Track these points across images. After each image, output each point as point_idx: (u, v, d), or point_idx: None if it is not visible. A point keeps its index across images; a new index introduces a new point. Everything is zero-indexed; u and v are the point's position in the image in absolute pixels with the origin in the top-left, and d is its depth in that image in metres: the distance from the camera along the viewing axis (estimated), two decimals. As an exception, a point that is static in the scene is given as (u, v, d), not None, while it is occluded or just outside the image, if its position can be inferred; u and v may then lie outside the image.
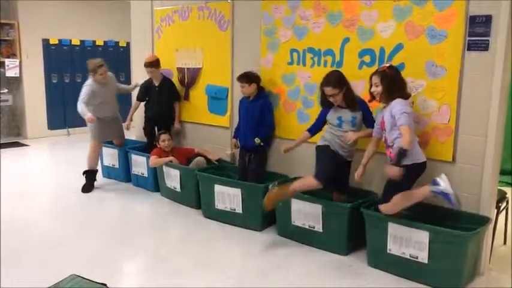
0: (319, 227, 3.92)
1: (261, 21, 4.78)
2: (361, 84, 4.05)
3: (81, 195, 5.50)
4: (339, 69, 4.12)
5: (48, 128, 9.32)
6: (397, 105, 3.38)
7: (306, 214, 3.98)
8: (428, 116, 3.72)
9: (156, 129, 5.72)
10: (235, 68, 5.10)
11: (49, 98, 9.28)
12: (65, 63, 9.42)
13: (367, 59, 4.03)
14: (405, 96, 3.49)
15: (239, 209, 4.44)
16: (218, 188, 4.54)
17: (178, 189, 5.05)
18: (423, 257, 3.30)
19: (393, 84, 3.43)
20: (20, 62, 8.79)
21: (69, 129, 9.47)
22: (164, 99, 5.66)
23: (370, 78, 3.56)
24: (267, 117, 4.68)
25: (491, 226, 3.59)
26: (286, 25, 4.56)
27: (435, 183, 3.31)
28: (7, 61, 8.65)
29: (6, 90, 8.78)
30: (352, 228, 3.79)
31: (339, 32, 4.17)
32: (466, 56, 3.50)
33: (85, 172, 5.69)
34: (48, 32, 9.12)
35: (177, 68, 5.74)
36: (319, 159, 3.93)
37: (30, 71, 8.97)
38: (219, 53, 5.24)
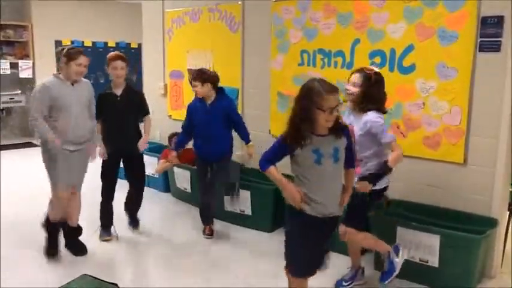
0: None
1: (271, 22, 4.79)
2: (372, 85, 4.04)
3: (90, 198, 5.50)
4: (350, 70, 4.13)
5: (61, 129, 9.39)
6: (377, 118, 3.03)
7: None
8: (439, 118, 3.69)
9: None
10: (246, 69, 5.11)
11: (62, 98, 9.34)
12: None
13: (377, 60, 4.01)
14: (382, 109, 3.13)
15: (248, 211, 4.45)
16: (228, 189, 4.56)
17: (188, 190, 5.08)
18: (433, 261, 3.27)
19: (376, 91, 3.09)
20: (33, 63, 8.88)
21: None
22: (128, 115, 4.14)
23: (351, 75, 3.16)
24: (239, 118, 4.31)
25: (502, 229, 3.55)
26: (296, 26, 4.56)
27: (396, 251, 3.15)
28: (20, 62, 8.74)
29: (19, 91, 8.88)
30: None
31: (349, 33, 4.16)
32: (478, 57, 3.47)
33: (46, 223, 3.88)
34: (61, 34, 9.19)
35: (188, 69, 5.76)
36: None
37: (43, 72, 9.01)
38: (229, 54, 5.26)
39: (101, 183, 4.20)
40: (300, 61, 4.57)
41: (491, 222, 3.40)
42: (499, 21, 3.34)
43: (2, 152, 7.92)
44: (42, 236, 3.89)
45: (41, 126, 3.47)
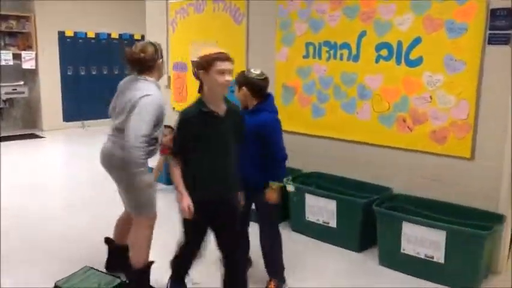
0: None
1: (276, 14, 4.72)
2: (378, 78, 3.99)
3: (95, 189, 5.49)
4: (356, 62, 4.09)
5: (64, 120, 9.38)
6: None
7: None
8: (446, 111, 3.64)
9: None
10: (251, 61, 5.06)
11: (64, 90, 9.33)
12: (80, 56, 9.46)
13: (384, 52, 3.95)
14: None
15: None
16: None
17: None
18: (439, 256, 3.24)
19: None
20: (36, 55, 8.84)
21: (84, 122, 9.52)
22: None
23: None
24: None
25: (509, 224, 3.50)
26: (301, 18, 4.50)
27: None
28: (23, 53, 8.70)
29: (22, 83, 8.85)
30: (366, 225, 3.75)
31: (356, 25, 4.10)
32: (487, 50, 3.41)
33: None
34: (64, 25, 9.15)
35: (192, 61, 5.69)
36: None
37: (46, 63, 9.02)
38: (233, 46, 5.19)
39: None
40: (305, 53, 4.51)
41: (498, 218, 3.35)
42: (508, 13, 3.28)
43: (5, 143, 7.91)
44: (44, 226, 3.86)
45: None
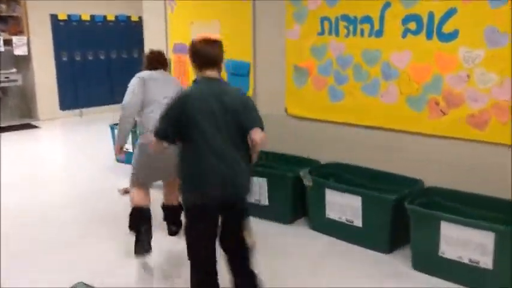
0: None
1: (285, -14, 4.22)
2: (406, 55, 3.51)
3: (94, 183, 5.10)
4: (379, 38, 3.61)
5: (60, 109, 8.92)
6: None
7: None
8: (487, 92, 3.16)
9: None
10: (258, 40, 4.56)
11: (60, 77, 8.85)
12: (75, 40, 8.94)
13: (412, 26, 3.45)
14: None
15: (265, 202, 3.96)
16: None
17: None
18: (486, 261, 2.80)
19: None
20: (28, 40, 8.34)
21: (82, 110, 9.07)
22: None
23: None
24: None
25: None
26: (315, -10, 4.00)
27: None
28: (14, 39, 8.21)
29: (15, 70, 8.37)
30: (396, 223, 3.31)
31: (378, -4, 3.61)
32: (537, 20, 2.92)
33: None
34: (56, 7, 8.62)
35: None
36: None
37: (39, 48, 8.53)
38: (238, 24, 4.70)
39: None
40: (319, 30, 4.01)
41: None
42: None
43: (2, 134, 7.53)
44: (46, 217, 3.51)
45: None
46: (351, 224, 3.47)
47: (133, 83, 3.44)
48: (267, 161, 4.34)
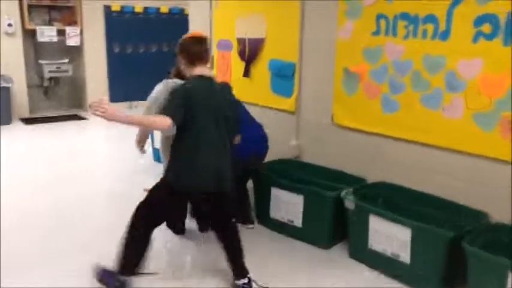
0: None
1: (339, -21, 3.73)
2: (476, 63, 2.94)
3: (137, 177, 4.88)
4: (444, 41, 3.05)
5: (110, 101, 8.82)
6: None
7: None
8: None
9: None
10: (305, 38, 4.10)
11: (110, 69, 8.78)
12: (127, 33, 8.83)
13: (486, 28, 2.88)
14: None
15: (298, 222, 3.53)
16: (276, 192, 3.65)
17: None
18: None
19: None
20: (81, 31, 8.31)
21: (132, 102, 8.96)
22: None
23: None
24: None
25: None
26: (372, -17, 3.49)
27: None
28: (68, 29, 8.19)
29: (66, 60, 8.37)
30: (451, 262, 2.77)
31: (446, -9, 3.05)
32: None
33: None
34: (110, -2, 8.55)
35: (237, 38, 4.83)
36: None
37: (92, 40, 8.49)
38: (285, 21, 4.26)
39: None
40: (374, 29, 3.50)
41: None
42: None
43: (51, 124, 7.59)
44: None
45: None
46: (397, 258, 2.96)
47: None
48: (306, 174, 3.90)
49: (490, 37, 2.87)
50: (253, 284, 2.82)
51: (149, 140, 4.63)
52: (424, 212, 3.13)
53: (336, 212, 3.34)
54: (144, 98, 3.46)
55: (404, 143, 3.41)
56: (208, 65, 2.63)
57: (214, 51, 5.20)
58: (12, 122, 7.37)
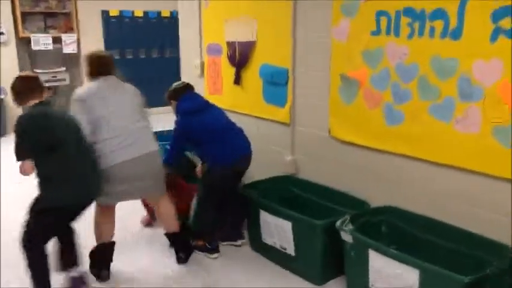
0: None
1: (333, -28, 3.24)
2: (495, 66, 2.42)
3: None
4: (456, 41, 2.53)
5: (110, 110, 8.50)
6: None
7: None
8: None
9: None
10: (298, 41, 3.62)
11: (110, 76, 8.42)
12: (127, 38, 8.46)
13: (506, 24, 2.36)
14: None
15: (291, 250, 3.06)
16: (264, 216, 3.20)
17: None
18: None
19: None
20: (78, 38, 7.97)
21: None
22: None
23: None
24: None
25: None
26: (370, -25, 2.99)
27: None
28: (64, 36, 7.86)
29: (63, 69, 8.04)
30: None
31: (457, -19, 2.54)
32: None
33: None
34: (108, 3, 8.16)
35: (227, 42, 4.37)
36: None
37: (89, 46, 8.06)
38: (276, 22, 3.78)
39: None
40: (374, 28, 3.00)
41: None
42: None
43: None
44: None
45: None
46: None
47: None
48: (301, 192, 3.44)
49: (511, 34, 2.35)
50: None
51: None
52: (436, 245, 2.64)
53: (330, 242, 2.85)
54: (146, 105, 3.27)
55: (411, 160, 2.91)
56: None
57: (205, 57, 4.75)
58: (7, 134, 7.06)
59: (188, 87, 3.47)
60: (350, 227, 2.72)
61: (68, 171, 2.62)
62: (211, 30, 4.60)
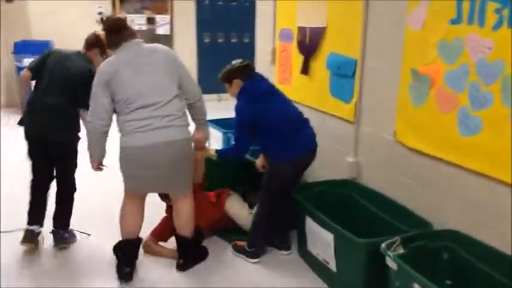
0: None
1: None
2: None
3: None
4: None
5: (199, 92, 8.56)
6: None
7: None
8: None
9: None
10: (370, 28, 3.17)
11: (201, 59, 8.46)
12: (219, 22, 8.42)
13: None
14: None
15: (332, 265, 2.69)
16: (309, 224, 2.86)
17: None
18: None
19: None
20: (171, 19, 8.07)
21: (220, 95, 8.55)
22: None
23: None
24: None
25: None
26: (455, -49, 2.46)
27: None
28: (157, 17, 8.02)
29: (155, 50, 8.21)
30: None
31: None
32: None
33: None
34: (203, -15, 8.19)
35: (298, 27, 4.01)
36: None
37: (182, 28, 8.24)
38: (347, 6, 3.36)
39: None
40: (454, 15, 2.48)
41: None
42: None
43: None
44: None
45: None
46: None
47: None
48: (361, 199, 3.06)
49: None
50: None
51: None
52: (503, 285, 2.12)
53: (375, 264, 2.43)
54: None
55: (488, 180, 2.37)
56: None
57: (277, 42, 4.44)
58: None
59: (252, 67, 3.03)
60: (400, 251, 2.29)
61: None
62: (285, 14, 4.27)
